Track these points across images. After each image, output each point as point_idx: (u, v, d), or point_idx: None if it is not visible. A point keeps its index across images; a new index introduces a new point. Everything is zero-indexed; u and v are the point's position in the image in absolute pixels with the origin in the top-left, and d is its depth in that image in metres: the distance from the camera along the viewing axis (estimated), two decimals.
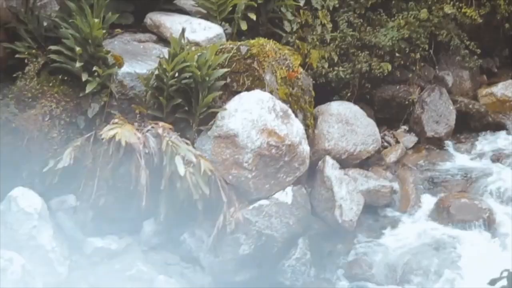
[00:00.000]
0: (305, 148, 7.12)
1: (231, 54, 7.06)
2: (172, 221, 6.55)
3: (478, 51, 9.36)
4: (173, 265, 6.45)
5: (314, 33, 8.54)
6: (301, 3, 8.46)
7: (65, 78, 6.67)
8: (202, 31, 7.61)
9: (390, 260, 7.07)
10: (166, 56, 6.75)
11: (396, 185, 7.95)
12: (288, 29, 8.26)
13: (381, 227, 7.59)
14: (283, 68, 7.35)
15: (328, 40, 8.66)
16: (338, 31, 8.81)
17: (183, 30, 6.91)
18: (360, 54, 8.77)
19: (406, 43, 8.92)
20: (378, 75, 8.76)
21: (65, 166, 6.27)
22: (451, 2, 9.15)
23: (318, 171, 7.47)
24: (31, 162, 6.42)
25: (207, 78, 6.69)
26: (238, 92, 6.98)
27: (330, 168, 7.43)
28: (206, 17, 7.90)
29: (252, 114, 6.77)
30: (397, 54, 8.92)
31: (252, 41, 7.32)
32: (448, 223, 7.52)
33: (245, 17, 7.90)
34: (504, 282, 3.90)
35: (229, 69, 6.97)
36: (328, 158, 7.54)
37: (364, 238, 7.38)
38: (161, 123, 6.63)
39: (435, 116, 8.89)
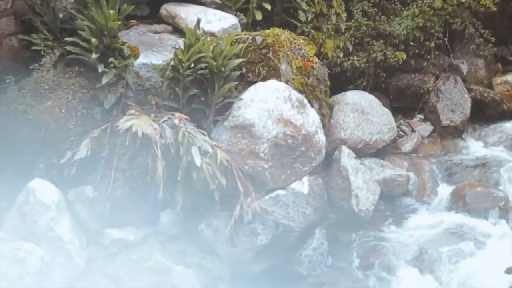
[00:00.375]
0: (321, 137, 7.05)
1: (246, 44, 7.00)
2: (189, 211, 6.50)
3: (493, 39, 9.23)
4: (190, 256, 6.41)
5: (329, 22, 8.45)
6: None
7: (81, 69, 6.63)
8: (217, 21, 7.55)
9: (406, 249, 7.00)
10: (182, 47, 6.69)
11: (412, 174, 7.86)
12: (303, 18, 8.20)
13: (398, 216, 7.51)
14: (298, 58, 7.28)
15: (343, 30, 8.57)
16: (353, 20, 8.71)
17: (198, 21, 6.85)
18: (375, 43, 8.66)
19: (420, 31, 8.82)
20: (393, 64, 8.66)
21: (82, 158, 6.25)
22: None
23: (334, 160, 7.40)
24: (48, 154, 6.40)
25: (222, 69, 6.63)
26: (253, 82, 6.93)
27: (346, 157, 7.36)
28: (221, 7, 7.83)
29: (268, 104, 6.70)
30: (411, 43, 8.82)
31: (267, 31, 7.25)
32: (464, 211, 7.44)
33: (260, 7, 7.86)
34: None
35: (244, 59, 6.92)
36: (344, 147, 7.47)
37: (380, 227, 7.31)
38: (177, 114, 6.59)
39: (450, 104, 8.78)
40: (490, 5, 8.98)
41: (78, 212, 6.22)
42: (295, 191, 6.82)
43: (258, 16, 7.82)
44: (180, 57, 6.59)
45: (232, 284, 6.42)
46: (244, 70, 6.93)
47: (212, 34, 7.32)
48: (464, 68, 9.25)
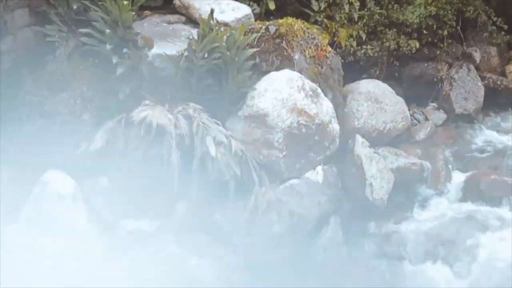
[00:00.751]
0: (335, 127, 6.96)
1: (260, 34, 6.90)
2: (204, 202, 6.40)
3: (506, 27, 9.14)
4: (205, 246, 6.31)
5: (341, 11, 8.34)
6: None
7: (96, 60, 6.53)
8: (231, 11, 7.46)
9: (421, 237, 6.92)
10: (196, 37, 6.59)
11: (426, 163, 7.70)
12: (316, 8, 8.12)
13: (412, 204, 7.40)
14: (312, 47, 7.18)
15: (356, 19, 8.45)
16: (366, 9, 8.58)
17: (212, 11, 6.73)
18: (388, 32, 8.55)
19: (433, 20, 8.71)
20: (406, 52, 8.57)
21: (97, 149, 6.17)
22: None
23: (348, 149, 7.28)
24: (63, 145, 6.29)
25: (236, 59, 6.53)
26: (267, 72, 6.83)
27: (360, 146, 7.24)
28: None
29: (282, 93, 6.61)
30: (424, 31, 8.70)
31: (280, 21, 7.16)
32: (478, 199, 7.37)
33: None
34: None
35: (258, 49, 6.81)
36: (358, 136, 7.34)
37: (395, 216, 7.20)
38: (191, 104, 6.50)
39: (464, 92, 8.67)
40: None
41: (94, 203, 6.13)
42: (309, 181, 6.74)
43: (271, 5, 7.76)
44: (194, 47, 6.49)
45: (248, 274, 6.32)
46: (257, 59, 6.82)
47: (226, 24, 7.23)
48: (477, 56, 9.12)
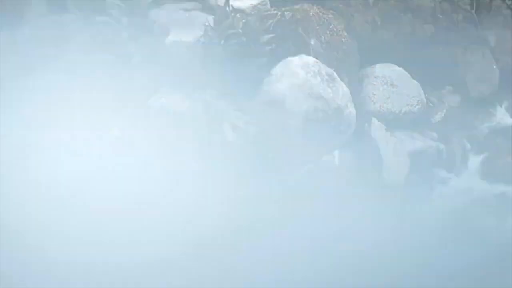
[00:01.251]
0: (351, 111, 6.83)
1: (275, 20, 6.78)
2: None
3: None
4: None
5: None
6: None
7: (113, 48, 6.42)
8: None
9: (438, 220, 6.77)
10: (212, 24, 6.52)
11: (441, 145, 7.52)
12: None
13: (428, 187, 7.22)
14: (328, 32, 7.08)
15: (371, 4, 8.19)
16: None
17: None
18: (403, 16, 8.28)
19: (448, 4, 8.45)
20: (421, 36, 8.27)
21: (114, 138, 6.04)
22: None
23: (365, 133, 7.11)
24: None
25: (252, 45, 6.46)
26: (283, 58, 6.69)
27: (376, 130, 7.11)
28: None
29: (298, 78, 6.50)
30: (439, 16, 8.42)
31: (296, 7, 7.07)
32: (495, 182, 7.24)
33: None
34: None
35: (274, 35, 6.68)
36: (374, 120, 7.19)
37: (411, 199, 7.01)
38: (208, 90, 6.39)
39: (479, 76, 8.39)
40: None
41: None
42: (326, 165, 6.63)
43: None
44: (210, 34, 6.43)
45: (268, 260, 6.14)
46: (273, 45, 6.67)
47: (242, 11, 7.02)
48: (492, 39, 8.86)
